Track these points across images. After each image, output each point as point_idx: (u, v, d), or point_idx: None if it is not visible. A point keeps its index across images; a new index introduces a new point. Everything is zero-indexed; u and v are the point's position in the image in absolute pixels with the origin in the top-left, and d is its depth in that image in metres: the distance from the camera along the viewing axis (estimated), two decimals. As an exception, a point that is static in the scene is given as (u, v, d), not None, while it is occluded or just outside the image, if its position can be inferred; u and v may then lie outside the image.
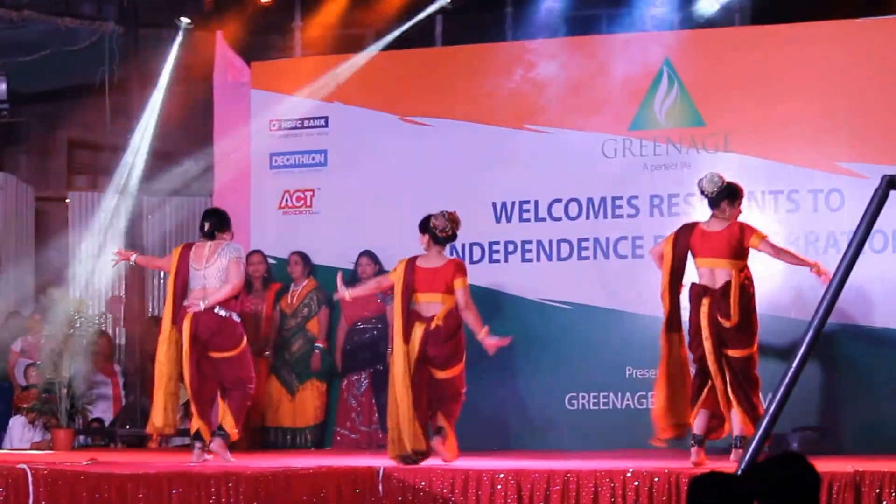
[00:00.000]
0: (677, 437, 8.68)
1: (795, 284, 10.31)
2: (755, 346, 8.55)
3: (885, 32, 10.65)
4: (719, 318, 8.44)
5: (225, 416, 9.03)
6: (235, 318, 9.00)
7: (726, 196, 8.64)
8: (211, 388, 9.07)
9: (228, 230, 9.20)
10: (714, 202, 8.67)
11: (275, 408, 11.31)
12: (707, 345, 8.44)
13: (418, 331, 8.73)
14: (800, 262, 8.74)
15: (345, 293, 9.19)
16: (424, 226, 8.94)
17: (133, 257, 9.57)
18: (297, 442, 11.22)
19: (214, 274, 8.96)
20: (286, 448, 11.16)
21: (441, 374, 8.77)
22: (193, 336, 8.92)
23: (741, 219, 8.71)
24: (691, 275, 8.72)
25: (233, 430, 9.00)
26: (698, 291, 8.56)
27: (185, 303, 9.01)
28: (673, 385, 8.59)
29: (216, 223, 9.16)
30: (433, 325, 8.72)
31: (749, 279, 8.56)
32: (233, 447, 9.13)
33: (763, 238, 8.56)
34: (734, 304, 8.42)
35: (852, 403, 10.37)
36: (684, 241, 8.68)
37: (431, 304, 8.79)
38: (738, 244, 8.53)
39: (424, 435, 8.67)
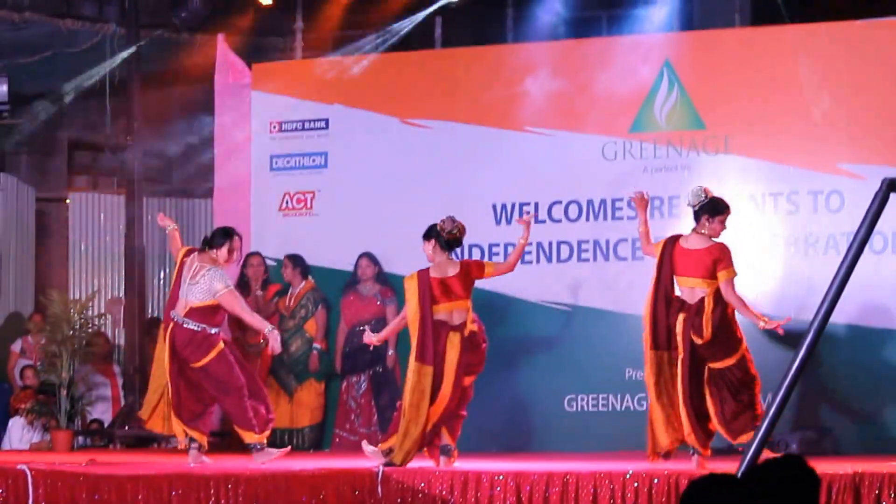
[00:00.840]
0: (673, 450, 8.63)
1: (797, 285, 10.32)
2: (741, 351, 8.52)
3: (884, 34, 10.65)
4: (693, 335, 8.46)
5: (239, 431, 9.07)
6: (210, 331, 8.98)
7: (707, 211, 8.58)
8: (200, 398, 9.08)
9: (221, 247, 9.11)
10: (695, 215, 8.65)
11: (272, 408, 11.30)
12: (680, 363, 8.45)
13: (455, 339, 8.61)
14: (749, 314, 8.59)
15: (373, 339, 9.16)
16: (428, 233, 8.83)
17: (170, 227, 9.49)
18: (295, 442, 11.21)
19: (197, 293, 8.96)
20: (285, 446, 11.14)
21: (467, 380, 8.74)
22: (172, 348, 8.97)
23: (724, 237, 8.66)
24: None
25: (255, 437, 8.99)
26: (677, 306, 8.57)
27: (172, 314, 9.06)
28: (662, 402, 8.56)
29: (209, 238, 9.17)
30: (467, 332, 8.66)
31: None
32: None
33: (730, 278, 8.46)
34: (706, 321, 8.42)
35: (852, 404, 10.38)
36: (667, 258, 8.66)
37: (456, 312, 8.68)
38: (713, 267, 8.50)
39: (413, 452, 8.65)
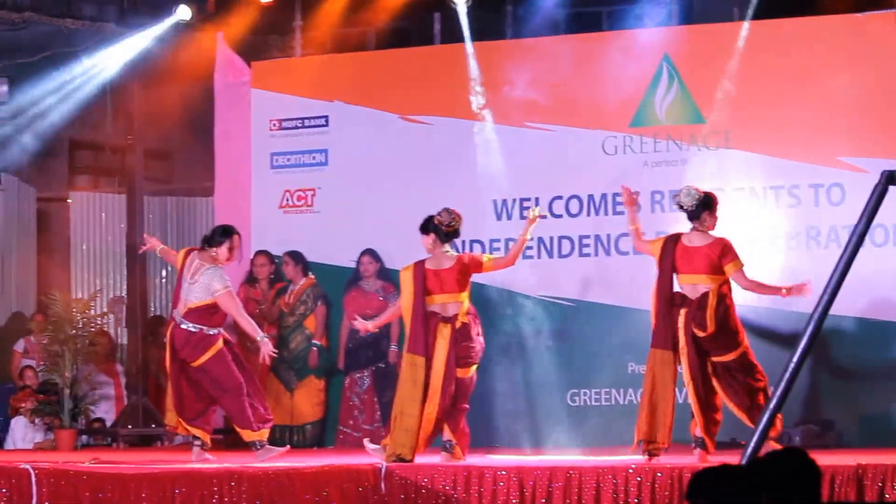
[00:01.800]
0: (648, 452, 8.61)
1: (798, 279, 10.31)
2: (743, 345, 8.55)
3: (885, 27, 10.64)
4: (694, 329, 8.47)
5: (238, 430, 9.12)
6: (208, 331, 9.01)
7: (705, 208, 8.63)
8: (202, 396, 9.12)
9: (221, 245, 9.12)
10: (694, 215, 8.66)
11: (273, 405, 11.31)
12: (683, 356, 8.49)
13: (445, 330, 8.64)
14: (769, 291, 8.81)
15: (367, 326, 9.17)
16: (426, 226, 8.85)
17: (159, 248, 9.55)
18: (296, 439, 11.23)
19: (196, 292, 9.00)
20: (284, 445, 11.15)
21: (461, 373, 8.72)
22: (172, 348, 9.01)
23: (720, 227, 8.69)
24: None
25: (255, 435, 9.04)
26: (677, 302, 8.60)
27: (174, 313, 9.10)
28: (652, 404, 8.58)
29: (209, 236, 9.20)
30: (459, 323, 8.67)
31: (729, 289, 8.58)
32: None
33: (740, 268, 8.54)
34: (710, 315, 8.45)
35: (854, 397, 10.38)
36: (669, 257, 8.67)
37: (450, 305, 8.69)
38: (719, 262, 8.53)
39: (416, 445, 8.62)
